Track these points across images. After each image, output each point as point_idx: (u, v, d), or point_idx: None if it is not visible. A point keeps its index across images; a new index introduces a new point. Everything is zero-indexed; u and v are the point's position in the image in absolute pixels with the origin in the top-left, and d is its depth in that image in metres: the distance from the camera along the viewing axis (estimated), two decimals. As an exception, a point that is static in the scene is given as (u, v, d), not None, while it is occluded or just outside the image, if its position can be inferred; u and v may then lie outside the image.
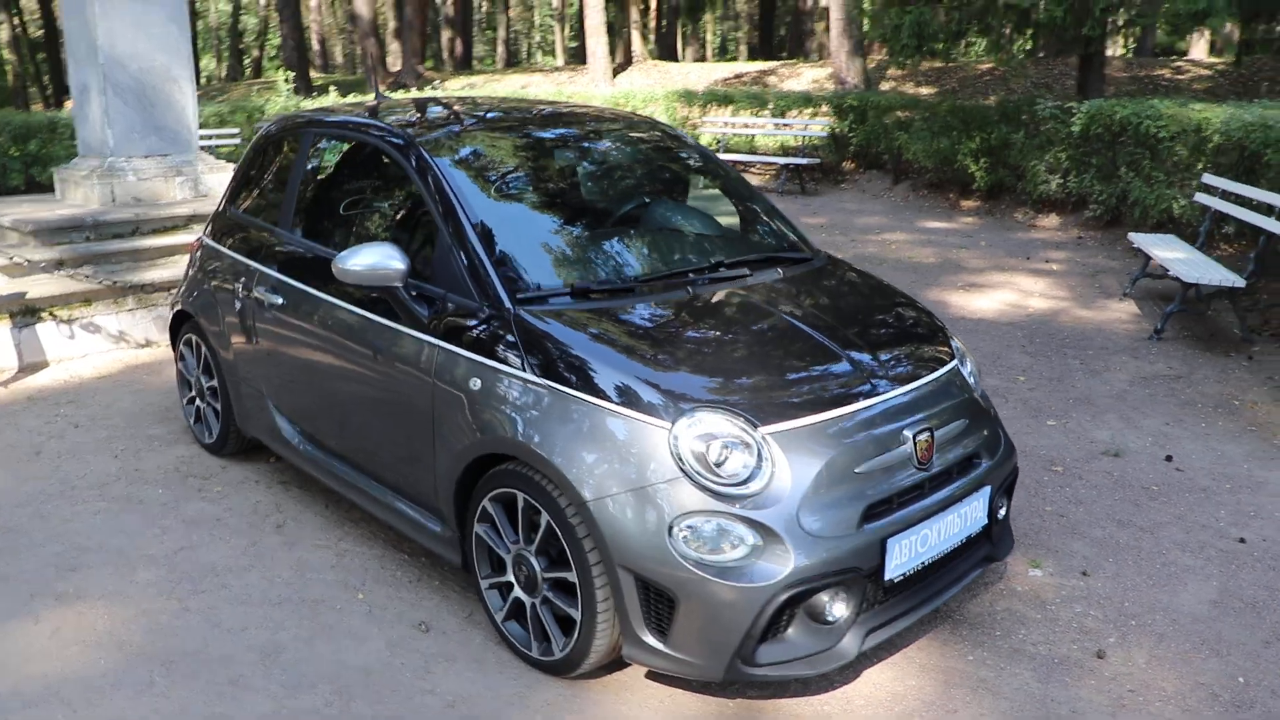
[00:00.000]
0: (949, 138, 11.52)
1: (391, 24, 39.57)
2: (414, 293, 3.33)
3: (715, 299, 3.35)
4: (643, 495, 2.73)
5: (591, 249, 3.53)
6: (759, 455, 2.74)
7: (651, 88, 17.87)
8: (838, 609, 2.77)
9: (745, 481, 2.71)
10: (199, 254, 4.77)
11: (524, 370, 2.99)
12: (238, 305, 4.28)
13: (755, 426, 2.78)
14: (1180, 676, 3.05)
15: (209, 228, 4.77)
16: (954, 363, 3.35)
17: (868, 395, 2.99)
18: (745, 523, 2.69)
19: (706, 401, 2.82)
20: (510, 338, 3.07)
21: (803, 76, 20.09)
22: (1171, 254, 6.85)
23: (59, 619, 3.40)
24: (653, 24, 32.12)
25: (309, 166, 4.19)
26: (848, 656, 2.81)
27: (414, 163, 3.54)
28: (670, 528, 2.70)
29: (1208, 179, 7.45)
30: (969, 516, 3.08)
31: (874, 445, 2.89)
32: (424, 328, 3.28)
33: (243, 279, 4.25)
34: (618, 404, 2.82)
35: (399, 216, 3.75)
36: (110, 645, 3.25)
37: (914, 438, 2.97)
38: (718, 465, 2.72)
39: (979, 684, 3.03)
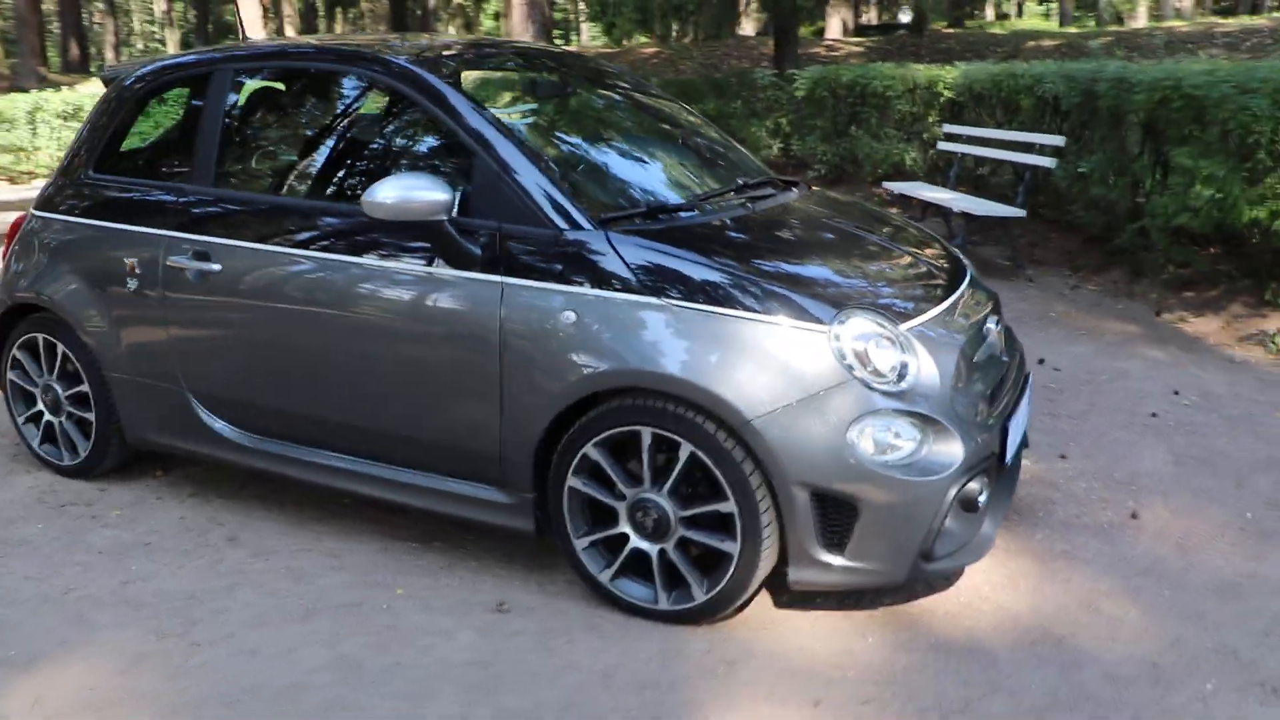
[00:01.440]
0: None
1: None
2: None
3: (773, 214, 3.25)
4: (812, 404, 2.60)
5: (632, 171, 3.28)
6: (905, 351, 2.71)
7: None
8: (982, 496, 2.81)
9: (901, 377, 2.67)
10: (37, 233, 3.83)
11: (638, 293, 2.72)
12: (133, 284, 3.49)
13: (895, 324, 2.74)
14: (1206, 520, 3.43)
15: (49, 200, 3.84)
16: (968, 263, 3.51)
17: (949, 290, 3.06)
18: (913, 417, 2.65)
19: (852, 303, 2.74)
20: (609, 261, 2.77)
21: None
22: (942, 196, 7.63)
23: (28, 688, 2.61)
24: (297, 21, 30.38)
25: (235, 112, 3.50)
26: (992, 542, 2.86)
27: (432, 92, 3.07)
28: (846, 433, 2.59)
29: (948, 128, 8.38)
30: (1028, 403, 3.25)
31: (978, 335, 2.97)
32: (478, 265, 2.88)
33: (143, 251, 3.47)
34: (764, 314, 2.66)
35: (409, 151, 3.25)
36: (137, 699, 2.54)
37: (996, 328, 3.08)
38: (876, 364, 2.66)
39: (1064, 555, 3.21)
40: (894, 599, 2.97)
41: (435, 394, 3.00)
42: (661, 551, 2.81)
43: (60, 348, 3.77)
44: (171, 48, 37.62)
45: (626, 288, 2.74)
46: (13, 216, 4.20)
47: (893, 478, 2.60)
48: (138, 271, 3.49)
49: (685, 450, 2.69)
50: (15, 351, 3.92)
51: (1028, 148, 7.22)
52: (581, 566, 2.93)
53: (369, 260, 3.05)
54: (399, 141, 3.37)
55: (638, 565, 2.87)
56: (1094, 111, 6.17)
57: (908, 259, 3.17)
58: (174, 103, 3.91)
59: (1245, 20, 13.59)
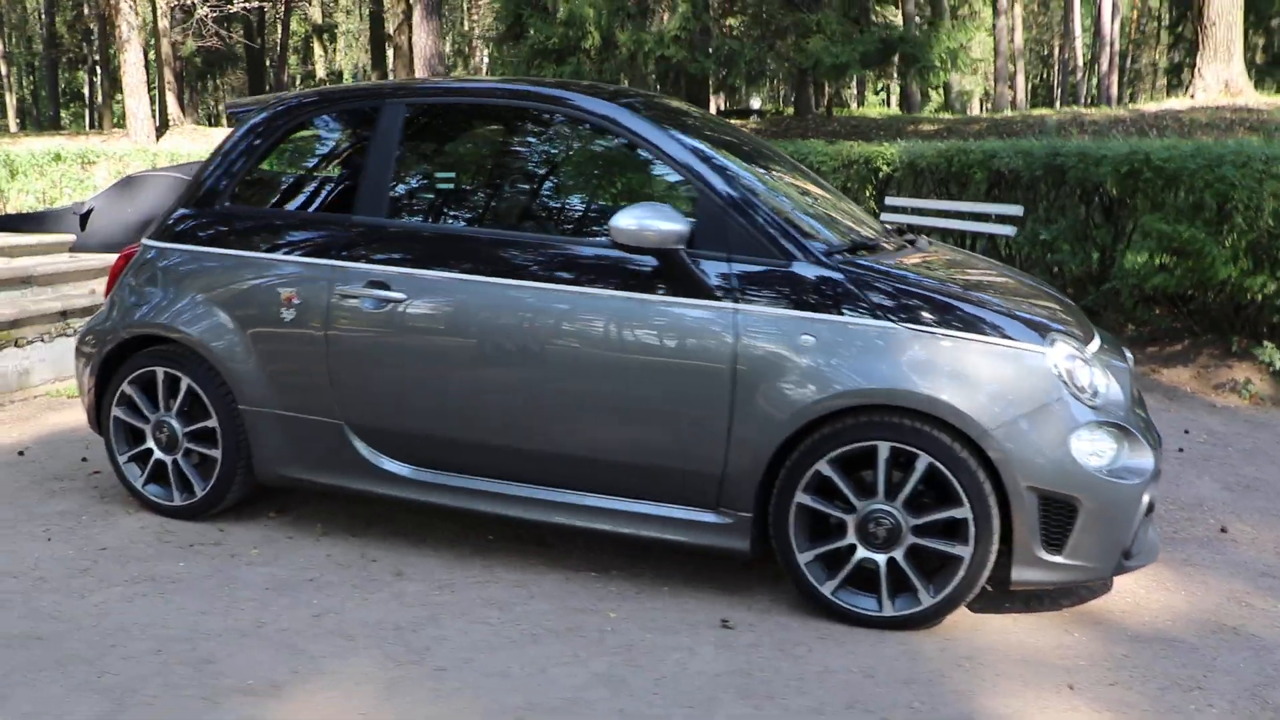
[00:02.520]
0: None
1: None
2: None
3: (932, 255, 3.53)
4: (1039, 415, 2.86)
5: (808, 210, 3.50)
6: (1095, 371, 3.02)
7: (206, 149, 16.32)
8: (1154, 502, 3.13)
9: (1095, 394, 2.97)
10: (159, 264, 3.68)
11: (873, 318, 2.93)
12: (289, 315, 3.42)
13: (1084, 347, 3.06)
14: (1284, 531, 3.89)
15: (174, 231, 3.71)
16: None
17: (1093, 327, 3.42)
18: (1111, 428, 2.94)
19: (1054, 328, 3.04)
20: (842, 289, 2.98)
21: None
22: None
23: (292, 714, 2.50)
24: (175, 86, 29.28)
25: (410, 144, 3.52)
26: (1159, 547, 3.18)
27: (645, 128, 3.23)
28: (1067, 440, 2.86)
29: (890, 200, 9.04)
30: None
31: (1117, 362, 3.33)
32: (710, 294, 3.02)
33: (304, 281, 3.41)
34: (992, 336, 2.92)
35: (620, 184, 3.37)
36: None
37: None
38: (1079, 381, 2.95)
39: (1185, 563, 3.56)
40: (1069, 602, 3.23)
41: (654, 420, 3.09)
42: (890, 560, 2.97)
43: (185, 381, 3.62)
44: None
45: (861, 313, 2.94)
46: None
47: (1104, 481, 2.88)
48: (296, 302, 3.43)
49: (923, 461, 2.89)
50: (126, 387, 3.72)
51: (982, 218, 7.88)
52: (804, 581, 3.05)
53: (585, 289, 3.13)
54: (599, 176, 3.49)
55: (856, 575, 3.02)
56: (1058, 183, 6.85)
57: (1055, 300, 3.51)
58: (300, 137, 3.88)
59: (1107, 110, 15.20)
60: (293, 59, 35.92)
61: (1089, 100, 28.98)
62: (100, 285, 6.25)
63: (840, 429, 2.95)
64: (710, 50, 10.56)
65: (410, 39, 16.43)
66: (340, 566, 3.39)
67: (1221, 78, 13.95)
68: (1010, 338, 2.93)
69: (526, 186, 3.53)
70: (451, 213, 3.56)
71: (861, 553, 2.99)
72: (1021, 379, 2.89)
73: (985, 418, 2.84)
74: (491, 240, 3.31)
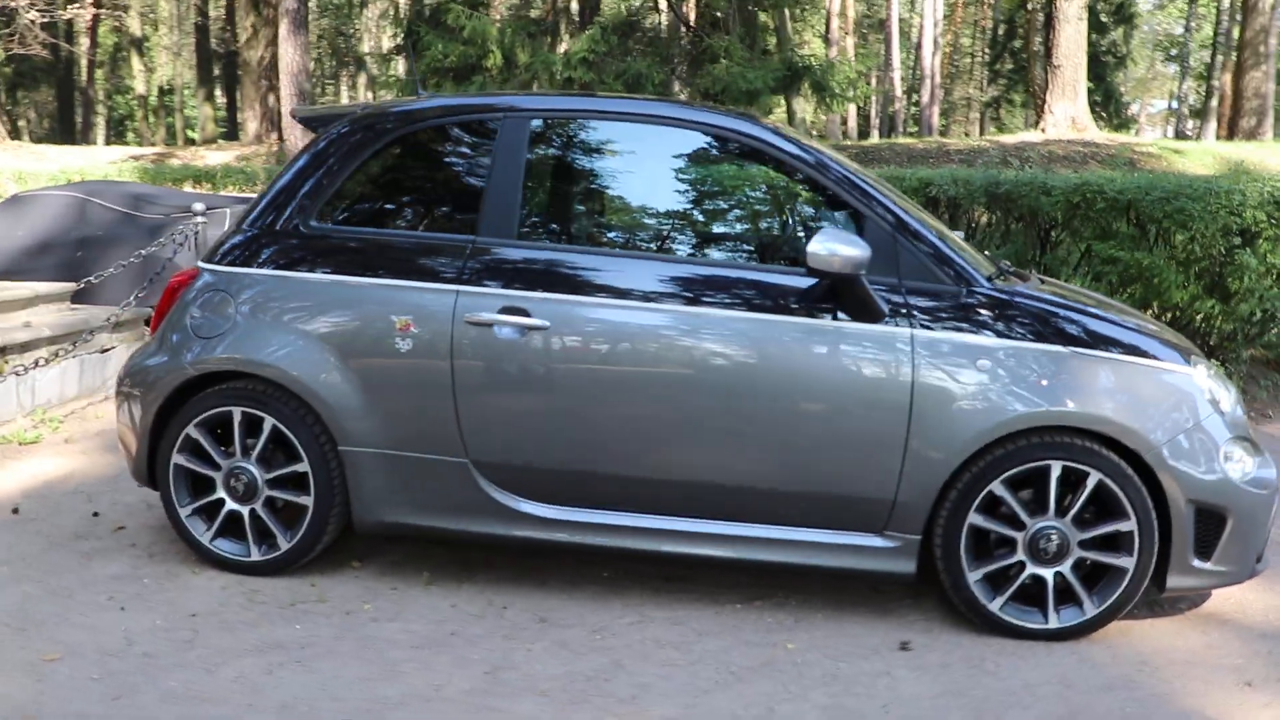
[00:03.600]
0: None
1: None
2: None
3: (1043, 283, 3.63)
4: (1195, 433, 3.02)
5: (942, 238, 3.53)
6: (1224, 389, 3.22)
7: (43, 169, 14.78)
8: None
9: (1228, 410, 3.17)
10: (227, 292, 3.32)
11: (1044, 341, 3.01)
12: (405, 345, 3.17)
13: (1210, 367, 3.26)
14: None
15: (241, 254, 3.36)
16: None
17: None
18: (1245, 442, 3.15)
19: (1193, 350, 3.22)
20: (1012, 313, 3.05)
21: (228, 152, 18.67)
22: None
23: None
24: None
25: (537, 162, 3.32)
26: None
27: (801, 152, 3.19)
28: (1218, 456, 3.03)
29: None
30: None
31: None
32: (885, 319, 3.02)
33: (423, 308, 3.16)
34: (1148, 359, 3.06)
35: (771, 207, 3.30)
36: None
37: None
38: (1218, 398, 3.14)
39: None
40: (1185, 606, 3.40)
41: (825, 447, 3.05)
42: (1058, 574, 3.05)
43: (269, 422, 3.28)
44: None
45: (1031, 337, 3.02)
46: None
47: (1247, 490, 3.07)
48: (414, 331, 3.18)
49: (1093, 479, 2.99)
50: (192, 430, 3.33)
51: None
52: (972, 599, 3.08)
53: (754, 315, 3.06)
54: (751, 199, 3.41)
55: (1018, 591, 3.08)
56: (1002, 210, 7.25)
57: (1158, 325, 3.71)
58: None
59: (969, 141, 16.18)
60: (99, 73, 33.44)
61: (905, 130, 30.83)
62: (33, 315, 5.58)
63: (1014, 450, 3.00)
64: (617, 74, 10.57)
65: (275, 53, 15.59)
66: (474, 617, 3.15)
67: (1069, 114, 15.22)
68: (1160, 359, 3.09)
69: (672, 208, 3.41)
70: (590, 234, 3.40)
71: (1031, 569, 3.06)
72: (1178, 398, 3.05)
73: (1153, 436, 2.97)
74: (643, 263, 3.19)
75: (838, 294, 3.05)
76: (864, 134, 34.89)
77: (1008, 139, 15.12)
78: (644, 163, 3.35)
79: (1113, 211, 6.41)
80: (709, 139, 3.32)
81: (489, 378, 3.16)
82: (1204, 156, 15.91)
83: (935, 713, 2.66)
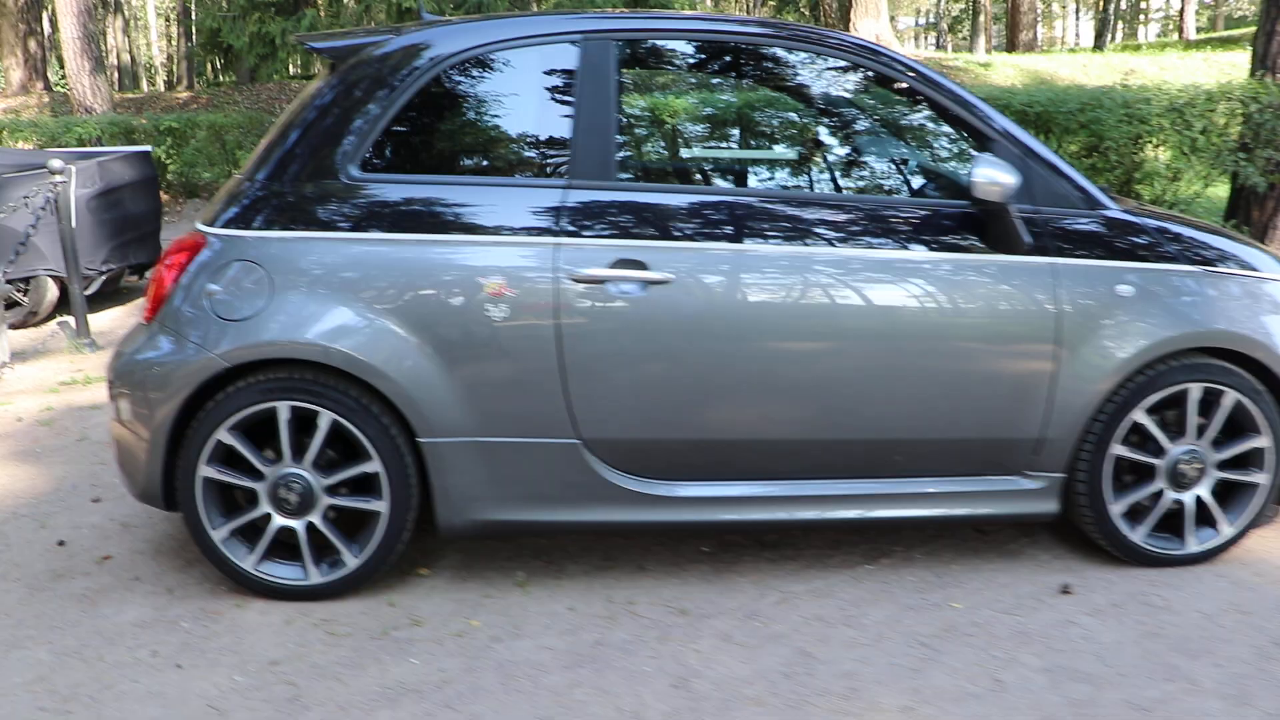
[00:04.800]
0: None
1: None
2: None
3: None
4: None
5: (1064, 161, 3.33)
6: None
7: None
8: None
9: None
10: (261, 259, 2.67)
11: (1175, 262, 2.89)
12: (500, 311, 2.66)
13: None
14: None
15: (274, 212, 2.71)
16: None
17: None
18: None
19: None
20: (1143, 235, 2.90)
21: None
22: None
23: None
24: None
25: (631, 91, 2.83)
26: None
27: (926, 74, 2.86)
28: None
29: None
30: None
31: None
32: (1028, 249, 2.80)
33: (518, 266, 2.67)
34: (1266, 272, 2.99)
35: (916, 138, 2.98)
36: None
37: None
38: None
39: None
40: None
41: (973, 389, 2.83)
42: (1197, 498, 3.00)
43: (326, 417, 2.70)
44: None
45: (1164, 259, 2.89)
46: None
47: None
48: (508, 294, 2.68)
49: (1230, 399, 2.93)
50: (225, 435, 2.70)
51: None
52: (1116, 533, 2.98)
53: (894, 253, 2.77)
54: (883, 129, 3.05)
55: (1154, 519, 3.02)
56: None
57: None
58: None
59: None
60: None
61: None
62: None
63: (1155, 375, 2.89)
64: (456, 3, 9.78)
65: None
66: (605, 619, 2.75)
67: (874, 32, 15.60)
68: (1273, 274, 3.04)
69: (792, 139, 3.03)
70: (698, 173, 2.96)
71: (1171, 495, 2.99)
72: None
73: None
74: (769, 202, 2.81)
75: (985, 225, 2.81)
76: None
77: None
78: (752, 90, 2.94)
79: (1022, 123, 6.51)
80: (831, 61, 2.95)
81: (603, 343, 2.71)
82: (1006, 69, 16.82)
83: (1148, 657, 2.54)
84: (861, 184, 3.08)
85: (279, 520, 2.78)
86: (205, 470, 2.74)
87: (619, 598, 2.87)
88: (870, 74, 2.97)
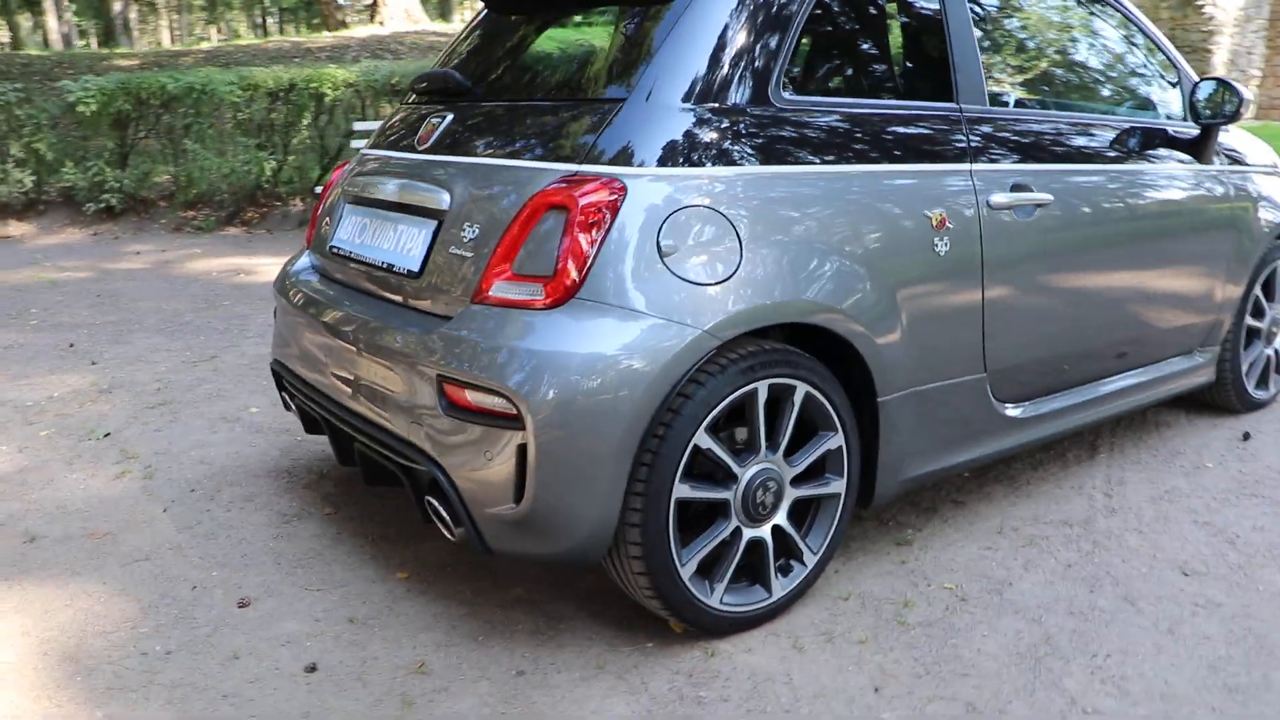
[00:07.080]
0: None
1: None
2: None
3: None
4: None
5: None
6: None
7: None
8: None
9: None
10: (726, 208, 2.07)
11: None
12: (943, 246, 2.40)
13: None
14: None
15: (711, 142, 2.10)
16: None
17: None
18: None
19: None
20: (1245, 142, 3.56)
21: None
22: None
23: None
24: None
25: (986, 18, 2.73)
26: None
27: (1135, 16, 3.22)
28: None
29: (359, 125, 8.14)
30: None
31: None
32: (1218, 158, 3.31)
33: (950, 196, 2.42)
34: None
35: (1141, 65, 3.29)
36: None
37: None
38: None
39: None
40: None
41: (1199, 280, 3.24)
42: None
43: (800, 391, 2.20)
44: None
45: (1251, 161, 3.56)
46: None
47: None
48: (949, 226, 2.41)
49: None
50: (702, 437, 2.06)
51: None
52: (1244, 389, 3.59)
53: (1168, 167, 3.14)
54: (1133, 55, 3.26)
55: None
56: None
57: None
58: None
59: (323, 37, 14.61)
60: None
61: (121, 41, 27.27)
62: None
63: (1272, 248, 3.56)
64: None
65: None
66: (958, 598, 2.62)
67: (404, 7, 15.22)
68: None
69: (1088, 64, 3.15)
70: (1042, 95, 2.93)
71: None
72: None
73: None
74: (1107, 126, 3.00)
75: (1199, 141, 3.23)
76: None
77: (360, 34, 14.54)
78: (1058, 18, 3.03)
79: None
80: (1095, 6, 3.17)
81: (1008, 271, 2.59)
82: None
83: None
84: (1141, 109, 3.29)
85: (749, 533, 2.19)
86: (679, 490, 2.05)
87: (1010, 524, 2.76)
88: (1116, 14, 3.23)
